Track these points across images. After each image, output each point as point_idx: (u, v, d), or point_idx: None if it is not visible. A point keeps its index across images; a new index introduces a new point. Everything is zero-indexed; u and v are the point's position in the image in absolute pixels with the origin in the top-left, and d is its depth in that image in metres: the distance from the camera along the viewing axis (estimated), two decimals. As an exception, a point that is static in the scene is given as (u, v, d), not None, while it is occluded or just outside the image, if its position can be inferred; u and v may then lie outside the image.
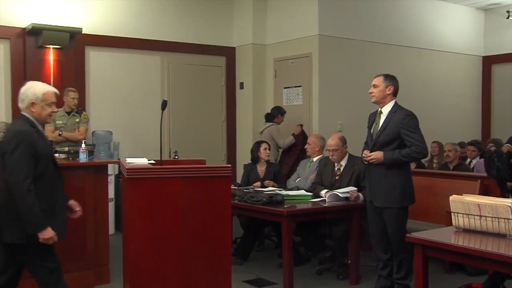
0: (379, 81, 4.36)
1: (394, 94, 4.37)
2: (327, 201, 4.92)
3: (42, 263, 3.15)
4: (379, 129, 4.34)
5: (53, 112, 3.36)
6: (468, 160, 7.23)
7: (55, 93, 3.35)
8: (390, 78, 4.39)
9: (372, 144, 4.37)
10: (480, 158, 7.40)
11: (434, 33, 8.94)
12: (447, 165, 6.70)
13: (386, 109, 4.35)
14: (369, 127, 4.51)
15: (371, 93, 4.38)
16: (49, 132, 6.19)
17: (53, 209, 3.12)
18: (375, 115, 4.48)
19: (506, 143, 6.97)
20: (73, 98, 6.37)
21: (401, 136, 4.24)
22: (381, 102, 4.37)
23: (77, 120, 6.34)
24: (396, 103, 4.38)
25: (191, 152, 7.80)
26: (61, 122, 6.31)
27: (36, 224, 3.01)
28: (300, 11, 7.71)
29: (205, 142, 8.18)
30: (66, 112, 6.39)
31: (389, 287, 4.45)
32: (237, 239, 5.93)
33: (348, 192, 4.94)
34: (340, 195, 4.92)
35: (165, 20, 7.91)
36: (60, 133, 6.22)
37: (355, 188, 5.00)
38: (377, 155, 4.26)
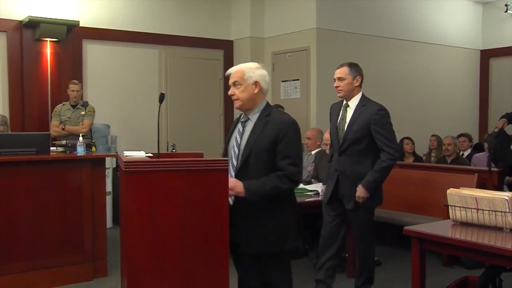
0: (344, 72, 3.95)
1: (361, 84, 3.99)
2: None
3: None
4: (346, 125, 3.95)
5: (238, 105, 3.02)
6: (461, 152, 7.24)
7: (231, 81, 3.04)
8: (355, 67, 3.99)
9: (340, 143, 3.97)
10: (471, 150, 7.44)
11: (432, 27, 8.94)
12: (445, 159, 6.71)
13: (353, 103, 3.96)
14: (332, 121, 4.11)
15: (337, 87, 3.97)
16: (54, 126, 6.27)
17: None
18: (338, 107, 4.07)
19: (501, 118, 6.95)
20: (73, 91, 6.31)
21: (371, 133, 3.87)
22: (348, 96, 3.98)
23: (82, 113, 6.27)
24: (363, 95, 4.00)
25: (188, 145, 7.81)
26: (65, 116, 6.29)
27: None
28: (298, 4, 7.69)
29: (203, 135, 8.18)
30: (71, 106, 6.35)
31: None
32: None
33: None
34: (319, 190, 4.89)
35: (162, 13, 7.89)
36: (63, 127, 6.21)
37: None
38: (361, 193, 3.86)
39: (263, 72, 3.02)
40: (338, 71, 3.98)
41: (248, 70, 2.99)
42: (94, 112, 6.35)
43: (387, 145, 3.85)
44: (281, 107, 7.52)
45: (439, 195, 4.99)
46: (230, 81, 3.01)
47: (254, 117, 3.00)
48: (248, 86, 2.97)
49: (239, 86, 2.97)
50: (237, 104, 3.01)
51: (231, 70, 3.04)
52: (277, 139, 2.88)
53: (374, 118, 3.85)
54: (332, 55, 7.62)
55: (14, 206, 4.47)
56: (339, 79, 3.94)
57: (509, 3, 9.07)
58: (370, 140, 3.88)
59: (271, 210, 2.91)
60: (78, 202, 4.74)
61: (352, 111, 3.94)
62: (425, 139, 7.81)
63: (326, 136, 5.24)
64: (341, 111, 4.01)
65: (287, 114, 3.15)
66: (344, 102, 4.02)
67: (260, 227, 2.88)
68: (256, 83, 2.97)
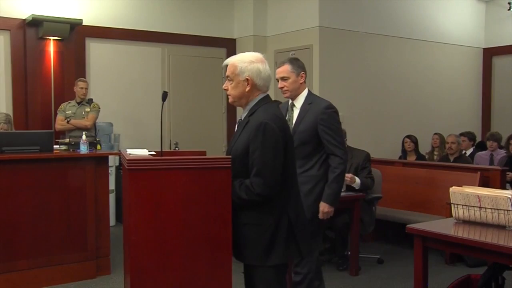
0: (286, 71, 3.63)
1: (305, 80, 3.69)
2: None
3: None
4: (293, 126, 3.61)
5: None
6: (463, 151, 7.25)
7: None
8: (297, 63, 3.68)
9: None
10: (474, 148, 7.45)
11: (435, 25, 8.92)
12: (448, 157, 6.70)
13: (299, 102, 3.66)
14: None
15: (281, 87, 3.65)
16: (59, 120, 6.39)
17: None
18: (284, 109, 3.73)
19: None
20: (82, 88, 6.42)
21: (318, 133, 3.56)
22: (294, 95, 3.66)
23: (87, 109, 6.38)
24: (309, 91, 3.70)
25: (191, 143, 7.82)
26: (70, 112, 6.38)
27: None
28: (301, 2, 7.69)
29: (206, 134, 8.20)
30: (77, 103, 6.44)
31: None
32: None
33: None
34: None
35: (165, 12, 7.90)
36: (68, 120, 6.30)
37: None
38: (325, 209, 3.54)
39: (258, 66, 2.65)
40: (279, 70, 3.66)
41: (241, 63, 2.65)
42: (99, 108, 6.43)
43: (338, 148, 3.56)
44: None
45: (441, 193, 5.00)
46: (226, 74, 2.73)
47: (243, 116, 2.73)
48: (239, 83, 2.65)
49: (231, 82, 2.68)
50: (229, 99, 2.74)
51: (227, 61, 2.71)
52: (248, 143, 2.57)
53: (322, 117, 3.55)
54: (334, 54, 7.63)
55: (18, 204, 4.49)
56: (283, 78, 3.63)
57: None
58: (318, 141, 3.59)
59: (252, 222, 2.63)
60: (81, 200, 4.75)
61: (298, 111, 3.65)
62: (427, 137, 7.81)
63: None
64: (288, 112, 3.71)
65: (268, 113, 2.62)
66: (290, 102, 3.73)
67: (238, 240, 2.65)
68: (247, 80, 2.63)
